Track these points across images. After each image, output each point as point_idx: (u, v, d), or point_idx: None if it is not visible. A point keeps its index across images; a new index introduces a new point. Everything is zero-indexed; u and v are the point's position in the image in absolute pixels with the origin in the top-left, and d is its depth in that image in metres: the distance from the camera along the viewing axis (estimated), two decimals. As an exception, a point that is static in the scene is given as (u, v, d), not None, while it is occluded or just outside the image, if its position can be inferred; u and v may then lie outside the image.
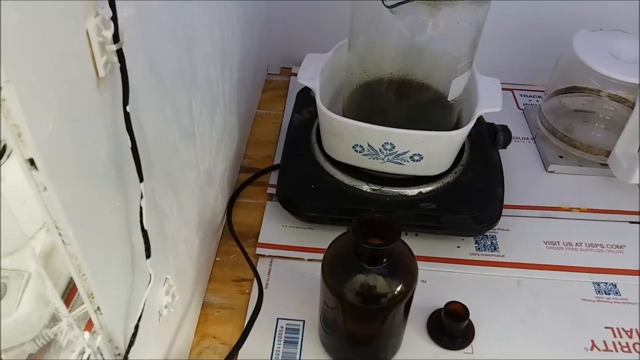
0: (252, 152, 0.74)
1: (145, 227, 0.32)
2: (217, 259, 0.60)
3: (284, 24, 0.84)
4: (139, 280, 0.35)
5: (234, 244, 0.60)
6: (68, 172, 0.26)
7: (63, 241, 0.27)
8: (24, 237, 0.43)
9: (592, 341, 0.54)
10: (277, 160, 0.71)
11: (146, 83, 0.35)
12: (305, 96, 0.70)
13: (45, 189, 0.25)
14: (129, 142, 0.29)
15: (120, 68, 0.27)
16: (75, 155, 0.26)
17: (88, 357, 0.31)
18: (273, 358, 0.51)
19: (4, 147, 0.47)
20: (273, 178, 0.69)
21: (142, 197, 0.30)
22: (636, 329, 0.55)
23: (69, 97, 0.25)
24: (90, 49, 0.26)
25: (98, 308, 0.31)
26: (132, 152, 0.29)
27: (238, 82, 0.65)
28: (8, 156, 0.45)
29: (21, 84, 0.22)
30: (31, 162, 0.24)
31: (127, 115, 0.28)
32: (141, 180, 0.30)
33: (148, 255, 0.33)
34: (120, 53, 0.27)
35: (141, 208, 0.31)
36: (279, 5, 0.82)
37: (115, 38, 0.27)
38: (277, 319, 0.54)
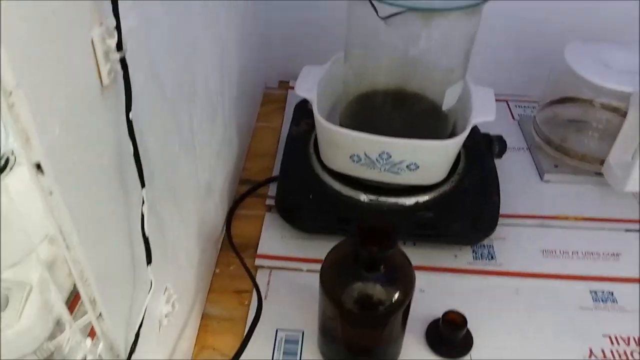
0: (251, 165, 0.74)
1: (147, 234, 0.32)
2: (217, 270, 0.60)
3: (282, 39, 0.85)
4: (139, 287, 0.35)
5: (233, 256, 0.60)
6: (73, 176, 0.26)
7: (67, 246, 0.27)
8: (31, 243, 0.44)
9: (590, 349, 0.54)
10: (276, 172, 0.71)
11: (148, 92, 0.35)
12: (303, 108, 0.71)
13: (51, 193, 0.25)
14: (132, 148, 0.29)
15: (124, 76, 0.28)
16: (80, 160, 0.27)
17: (90, 364, 0.32)
18: (273, 368, 0.51)
19: (7, 160, 0.47)
20: (272, 190, 0.69)
21: (143, 203, 0.31)
22: (634, 337, 0.55)
23: (74, 103, 0.26)
24: (95, 57, 0.27)
25: (100, 314, 0.31)
26: (135, 157, 0.30)
27: (237, 95, 0.66)
28: (11, 168, 0.45)
29: (30, 89, 0.22)
30: (38, 166, 0.24)
31: (129, 122, 0.29)
32: (143, 186, 0.31)
33: (149, 262, 0.33)
34: (123, 61, 0.28)
35: (142, 214, 0.31)
36: (277, 21, 0.83)
37: (119, 47, 0.27)
38: (277, 329, 0.54)
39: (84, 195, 0.28)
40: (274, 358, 0.51)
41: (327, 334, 0.50)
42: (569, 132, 0.76)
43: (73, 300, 0.52)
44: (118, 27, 0.27)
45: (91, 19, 0.26)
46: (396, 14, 0.50)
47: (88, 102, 0.27)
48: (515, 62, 0.86)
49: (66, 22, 0.24)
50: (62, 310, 0.32)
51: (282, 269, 0.60)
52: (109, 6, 0.27)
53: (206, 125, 0.52)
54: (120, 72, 0.28)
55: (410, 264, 0.47)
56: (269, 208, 0.67)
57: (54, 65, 0.24)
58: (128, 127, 0.29)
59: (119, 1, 0.27)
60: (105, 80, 0.28)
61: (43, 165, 0.24)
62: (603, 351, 0.54)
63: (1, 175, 0.44)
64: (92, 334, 0.36)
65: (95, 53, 0.27)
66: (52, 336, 0.49)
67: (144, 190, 0.31)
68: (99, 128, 0.28)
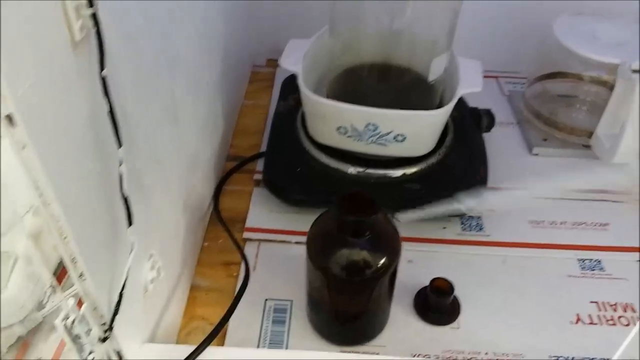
0: (238, 142, 0.74)
1: (126, 195, 0.32)
2: (205, 244, 0.60)
3: (269, 15, 0.85)
4: (122, 250, 0.35)
5: (221, 230, 0.60)
6: (47, 131, 0.26)
7: (43, 202, 0.27)
8: (16, 214, 0.44)
9: (578, 315, 0.54)
10: (264, 149, 0.71)
11: (124, 55, 0.35)
12: (291, 84, 0.71)
13: (24, 147, 0.25)
14: (107, 107, 0.29)
15: (96, 32, 0.28)
16: (54, 115, 0.27)
17: (72, 321, 0.32)
18: (261, 337, 0.51)
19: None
20: (259, 165, 0.70)
21: (120, 163, 0.31)
22: (620, 303, 0.55)
23: (46, 58, 0.26)
24: (66, 11, 0.27)
25: (82, 274, 0.32)
26: (109, 116, 0.30)
27: (221, 70, 0.66)
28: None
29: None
30: (9, 119, 0.24)
31: (103, 80, 0.29)
32: (120, 145, 0.31)
33: (130, 223, 0.34)
34: (95, 18, 0.28)
35: (120, 174, 0.31)
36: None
37: (90, 2, 0.27)
38: (265, 299, 0.55)
39: (59, 152, 0.28)
40: (263, 325, 0.52)
41: (314, 303, 0.51)
42: (559, 106, 0.76)
43: (60, 274, 0.52)
44: (89, -18, 0.27)
45: (61, -26, 0.26)
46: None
47: (60, 58, 0.27)
48: (505, 38, 0.85)
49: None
50: (40, 269, 0.32)
51: (270, 241, 0.60)
52: (80, -38, 0.27)
53: (189, 97, 0.52)
54: (93, 29, 0.28)
55: (395, 229, 0.48)
56: (257, 183, 0.67)
57: (22, 18, 0.24)
58: (102, 84, 0.29)
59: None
60: (77, 36, 0.27)
61: (15, 117, 0.24)
62: (590, 316, 0.54)
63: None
64: (79, 304, 0.36)
65: (65, 7, 0.27)
66: (40, 306, 0.49)
67: (121, 149, 0.31)
68: (74, 85, 0.28)
